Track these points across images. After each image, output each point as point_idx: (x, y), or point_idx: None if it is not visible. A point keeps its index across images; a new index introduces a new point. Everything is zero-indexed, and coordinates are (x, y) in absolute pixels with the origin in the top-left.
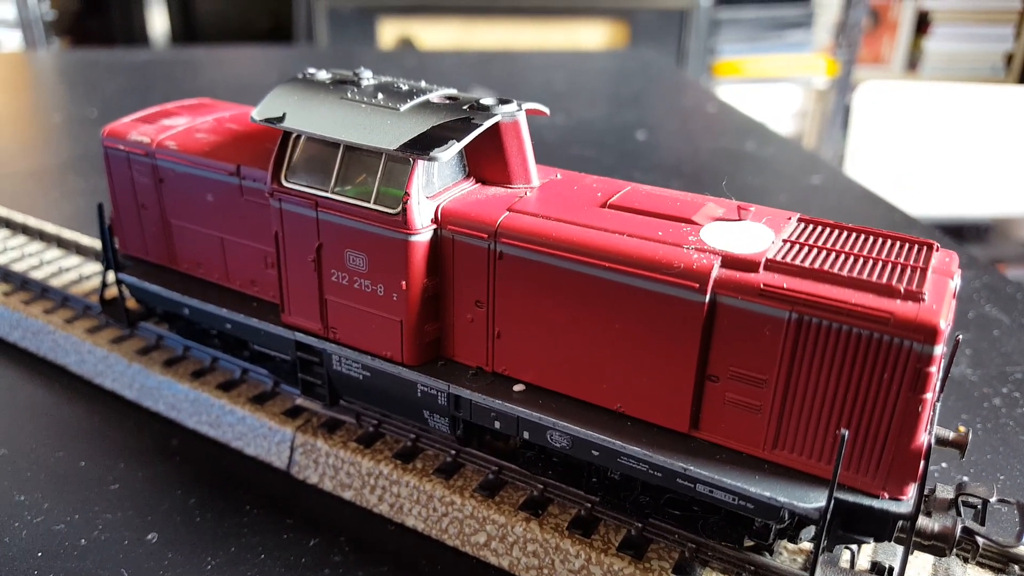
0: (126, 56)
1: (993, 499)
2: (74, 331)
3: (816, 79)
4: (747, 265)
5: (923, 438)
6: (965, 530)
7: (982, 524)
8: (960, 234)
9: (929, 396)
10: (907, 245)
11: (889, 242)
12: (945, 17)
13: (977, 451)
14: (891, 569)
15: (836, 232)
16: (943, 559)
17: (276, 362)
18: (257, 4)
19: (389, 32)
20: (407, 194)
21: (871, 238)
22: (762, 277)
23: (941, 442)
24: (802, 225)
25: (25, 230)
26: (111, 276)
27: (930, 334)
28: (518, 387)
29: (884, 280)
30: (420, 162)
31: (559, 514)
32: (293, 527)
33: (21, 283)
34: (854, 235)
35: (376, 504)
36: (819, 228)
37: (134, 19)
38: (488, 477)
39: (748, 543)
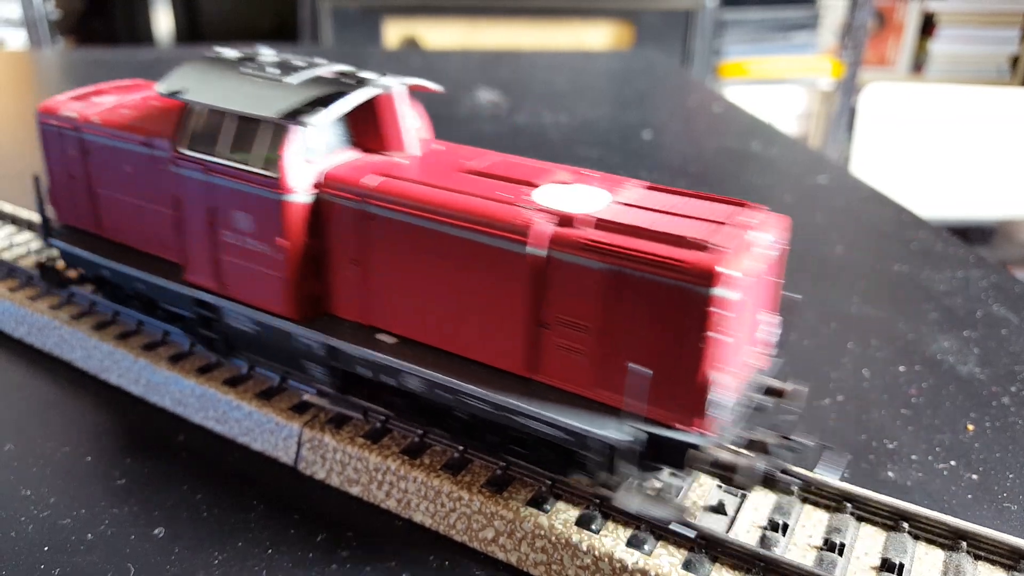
0: (131, 55)
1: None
2: (80, 327)
3: (821, 81)
4: (570, 221)
5: (713, 375)
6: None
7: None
8: (965, 236)
9: (716, 336)
10: (724, 206)
11: (711, 204)
12: (951, 19)
13: (986, 450)
14: (901, 566)
15: (669, 196)
16: (953, 556)
17: (187, 321)
18: (261, 4)
19: (394, 32)
20: (280, 157)
21: (699, 201)
22: (582, 232)
23: (771, 392)
24: (640, 190)
25: (31, 226)
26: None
27: (709, 278)
28: (387, 338)
29: (684, 234)
30: (296, 128)
31: (567, 510)
32: (300, 522)
33: (27, 279)
34: (685, 199)
35: (384, 500)
36: (656, 193)
37: (138, 19)
38: (496, 473)
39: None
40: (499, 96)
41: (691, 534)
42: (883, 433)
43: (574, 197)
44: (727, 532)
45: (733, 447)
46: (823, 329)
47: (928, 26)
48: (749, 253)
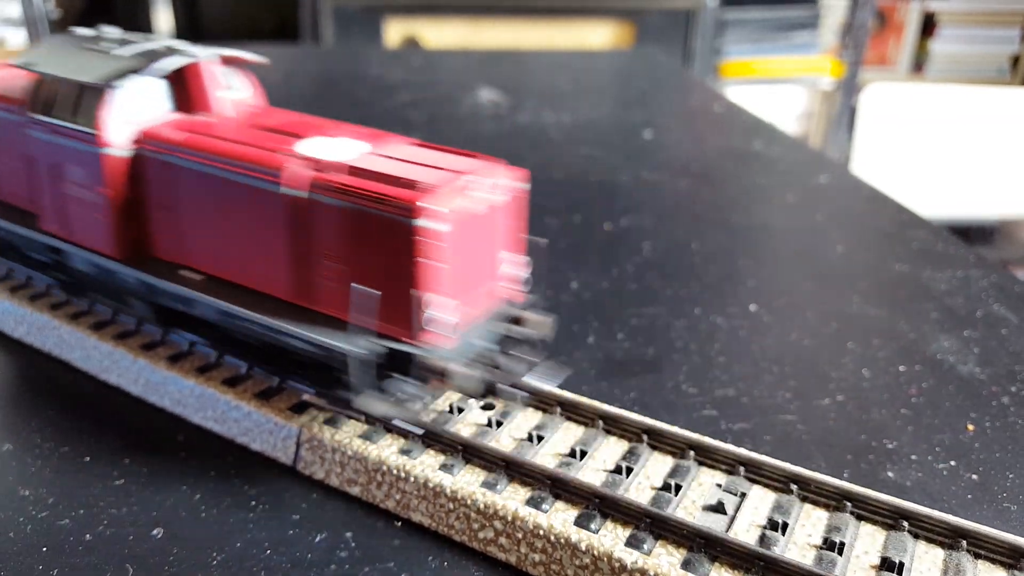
0: None
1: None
2: (79, 327)
3: (822, 80)
4: (325, 167)
5: (431, 296)
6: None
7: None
8: (966, 235)
9: (429, 261)
10: (465, 159)
11: (455, 157)
12: (951, 19)
13: (986, 450)
14: (901, 565)
15: (422, 150)
16: (953, 554)
17: (45, 266)
18: (262, 3)
19: (395, 31)
20: (98, 116)
21: (446, 155)
22: (330, 176)
23: (518, 321)
24: (400, 146)
25: None
26: None
27: (413, 211)
28: (193, 275)
29: (403, 176)
30: (110, 91)
31: (565, 510)
32: (299, 523)
33: (27, 278)
34: (436, 153)
35: (383, 500)
36: (412, 148)
37: (139, 17)
38: (494, 473)
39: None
40: (500, 95)
41: (419, 432)
42: (883, 433)
43: (336, 148)
44: (726, 531)
45: (459, 360)
46: (823, 329)
47: (929, 26)
48: (461, 194)
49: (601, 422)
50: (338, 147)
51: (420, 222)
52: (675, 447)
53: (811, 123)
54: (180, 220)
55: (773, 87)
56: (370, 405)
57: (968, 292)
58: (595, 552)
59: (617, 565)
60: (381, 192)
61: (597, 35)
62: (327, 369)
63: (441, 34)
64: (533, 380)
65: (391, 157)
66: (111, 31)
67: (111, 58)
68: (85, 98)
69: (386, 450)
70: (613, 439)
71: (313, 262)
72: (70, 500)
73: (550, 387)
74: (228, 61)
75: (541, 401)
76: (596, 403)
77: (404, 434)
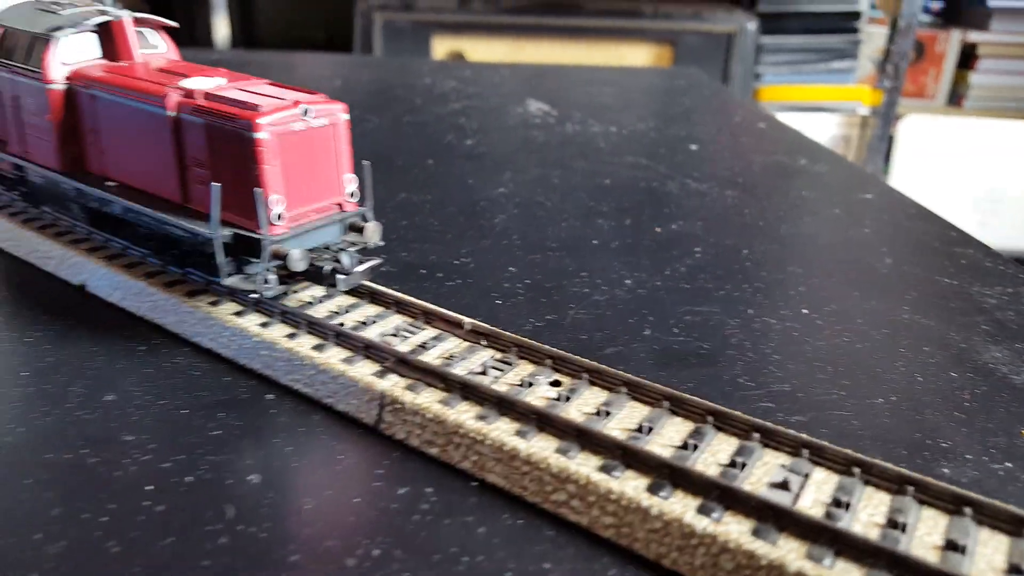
0: (194, 55)
1: (351, 249)
2: (174, 294)
3: (859, 108)
4: (192, 95)
5: (268, 194)
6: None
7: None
8: None
9: (265, 167)
10: (302, 93)
11: (294, 92)
12: (992, 51)
13: None
14: (964, 547)
15: (272, 87)
16: (1019, 542)
17: (9, 180)
18: (313, 16)
19: (441, 47)
20: (44, 59)
21: (287, 91)
22: (194, 101)
23: (353, 228)
24: (258, 83)
25: None
26: None
27: (252, 127)
28: (110, 183)
29: (250, 102)
30: (51, 39)
31: (636, 478)
32: (383, 476)
33: (123, 248)
34: (280, 88)
35: (460, 461)
36: (266, 85)
37: (197, 24)
38: (566, 441)
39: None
40: (548, 107)
41: (260, 297)
42: (937, 433)
43: (206, 84)
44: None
45: (295, 247)
46: (874, 334)
47: (968, 58)
48: (287, 116)
49: (667, 403)
50: (210, 83)
51: (256, 134)
52: (740, 429)
53: (847, 151)
54: (101, 140)
55: (809, 114)
56: (230, 281)
57: (1019, 308)
58: (666, 517)
59: (688, 530)
60: (228, 111)
61: (636, 57)
62: (206, 256)
63: (485, 51)
64: (359, 271)
65: (244, 90)
66: (63, 1)
67: (56, 17)
68: (35, 45)
69: (463, 415)
70: (679, 419)
71: (187, 169)
72: (170, 446)
73: (365, 279)
74: (144, 23)
75: (606, 380)
76: (660, 386)
77: (480, 401)
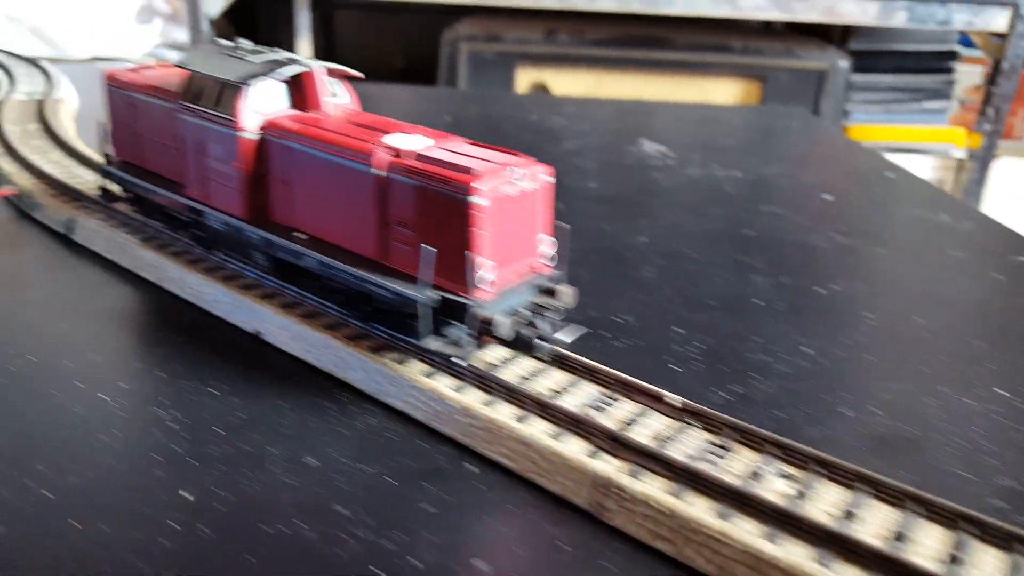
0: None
1: (555, 317)
2: (359, 349)
3: (954, 151)
4: (400, 155)
5: (479, 259)
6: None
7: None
8: None
9: (478, 231)
10: (507, 155)
11: (499, 153)
12: None
13: None
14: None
15: (475, 147)
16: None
17: (186, 225)
18: (394, 44)
19: (524, 78)
20: (237, 107)
21: (491, 151)
22: (403, 161)
23: (545, 291)
24: (460, 142)
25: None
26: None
27: (467, 190)
28: (300, 235)
29: (460, 164)
30: (245, 88)
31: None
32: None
33: (299, 297)
34: (485, 149)
35: (700, 562)
36: (468, 145)
37: (282, 44)
38: (818, 544)
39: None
40: (663, 148)
41: (464, 364)
42: None
43: (411, 142)
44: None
45: (499, 312)
46: None
47: None
48: (501, 180)
49: (912, 504)
50: (413, 141)
51: (472, 198)
52: (999, 539)
53: None
54: (292, 191)
55: (902, 154)
56: (431, 344)
57: None
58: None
59: None
60: (440, 174)
61: (722, 92)
62: (400, 315)
63: (568, 84)
64: (561, 336)
65: (452, 150)
66: (245, 43)
67: (247, 63)
68: (227, 92)
69: (698, 509)
70: (933, 526)
71: (389, 227)
72: (386, 522)
73: (568, 339)
74: (332, 73)
75: (839, 474)
76: (901, 484)
77: (712, 494)
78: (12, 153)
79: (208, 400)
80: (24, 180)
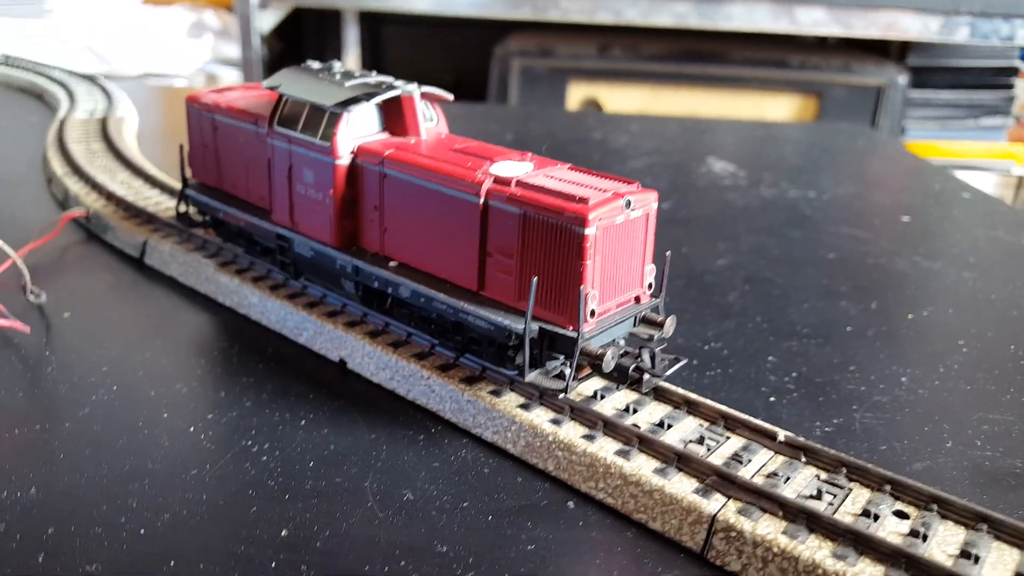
0: None
1: (658, 349)
2: (449, 380)
3: (1015, 168)
4: (505, 182)
5: (588, 291)
6: (630, 367)
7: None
8: None
9: (588, 262)
10: (612, 181)
11: (603, 179)
12: None
13: None
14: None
15: (577, 173)
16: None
17: (271, 252)
18: (443, 58)
19: (577, 94)
20: (334, 133)
21: (595, 177)
22: (509, 189)
23: (646, 321)
24: (562, 167)
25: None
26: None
27: (581, 221)
28: (393, 263)
29: (569, 192)
30: (343, 114)
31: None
32: None
33: (384, 324)
34: (591, 176)
35: None
36: (571, 171)
37: (329, 60)
38: None
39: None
40: (733, 167)
41: (555, 402)
42: None
43: (514, 168)
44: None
45: (603, 346)
46: None
47: None
48: (613, 209)
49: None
50: (517, 168)
51: (583, 229)
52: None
53: None
54: (385, 219)
55: (962, 171)
56: (532, 378)
57: None
58: None
59: None
60: (547, 203)
61: (778, 108)
62: (496, 345)
63: (621, 99)
64: (663, 371)
65: (558, 178)
66: (338, 65)
67: (342, 88)
68: (322, 118)
69: (818, 552)
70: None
71: (490, 256)
72: (490, 562)
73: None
74: (425, 96)
75: (956, 513)
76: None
77: (830, 535)
78: (79, 173)
79: (297, 431)
80: (93, 201)
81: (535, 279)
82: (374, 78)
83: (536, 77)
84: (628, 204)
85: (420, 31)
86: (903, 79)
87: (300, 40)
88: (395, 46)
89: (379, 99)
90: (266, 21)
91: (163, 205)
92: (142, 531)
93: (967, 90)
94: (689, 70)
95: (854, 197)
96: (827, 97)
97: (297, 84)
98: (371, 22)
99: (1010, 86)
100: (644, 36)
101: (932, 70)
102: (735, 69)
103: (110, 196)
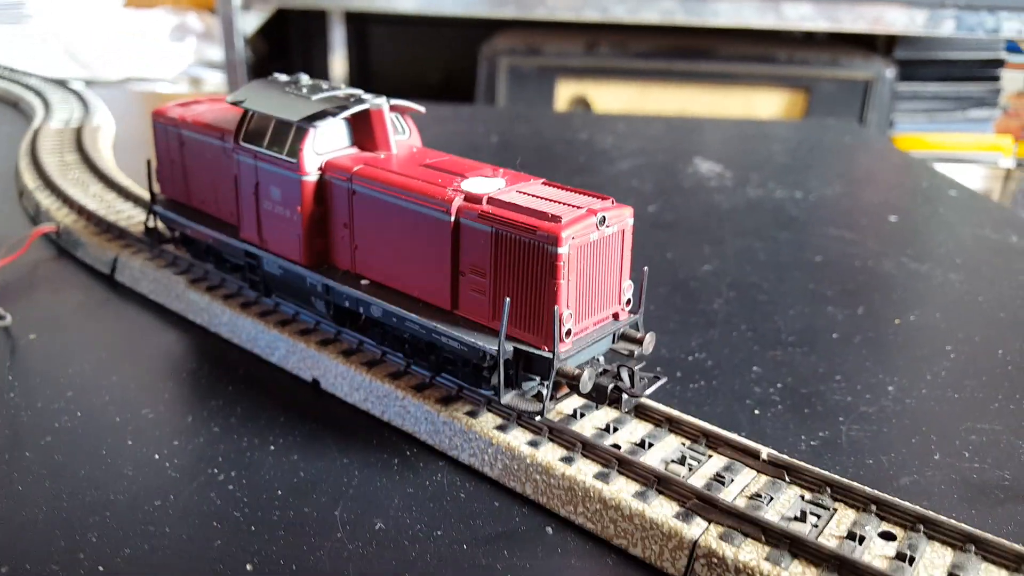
0: None
1: (636, 367)
2: (425, 401)
3: (1002, 160)
4: (476, 199)
5: (562, 310)
6: (609, 387)
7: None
8: None
9: (562, 281)
10: (586, 197)
11: (578, 195)
12: None
13: None
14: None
15: (552, 189)
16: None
17: (240, 268)
18: (431, 58)
19: (565, 92)
20: (301, 149)
21: (569, 193)
22: (480, 207)
23: (625, 337)
24: (535, 183)
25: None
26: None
27: (553, 240)
28: (364, 281)
29: (541, 209)
30: (310, 129)
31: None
32: None
33: (358, 343)
34: (564, 192)
35: None
36: (545, 187)
37: (315, 63)
38: None
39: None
40: (720, 167)
41: (533, 423)
42: None
43: (485, 185)
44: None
45: (581, 366)
46: None
47: None
48: (586, 227)
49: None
50: (488, 184)
51: (555, 248)
52: None
53: None
54: (355, 237)
55: (950, 164)
56: (508, 399)
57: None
58: None
59: None
60: (519, 221)
61: (767, 103)
62: (471, 366)
63: (611, 97)
64: (643, 390)
65: (530, 194)
66: (305, 78)
67: (309, 102)
68: (288, 133)
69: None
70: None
71: (462, 275)
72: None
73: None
74: (395, 108)
75: (944, 534)
76: (1012, 543)
77: (814, 560)
78: (51, 187)
79: (267, 457)
80: (64, 216)
81: (508, 299)
82: (343, 91)
83: (524, 76)
84: (603, 221)
85: (407, 31)
86: (891, 72)
87: (285, 41)
88: (382, 46)
89: (347, 113)
90: (249, 23)
91: (135, 219)
92: (100, 568)
93: (954, 82)
94: (677, 67)
95: (842, 196)
96: (816, 92)
97: (263, 99)
98: (357, 22)
99: (996, 78)
100: (631, 33)
101: (919, 63)
102: (723, 65)
103: (81, 210)
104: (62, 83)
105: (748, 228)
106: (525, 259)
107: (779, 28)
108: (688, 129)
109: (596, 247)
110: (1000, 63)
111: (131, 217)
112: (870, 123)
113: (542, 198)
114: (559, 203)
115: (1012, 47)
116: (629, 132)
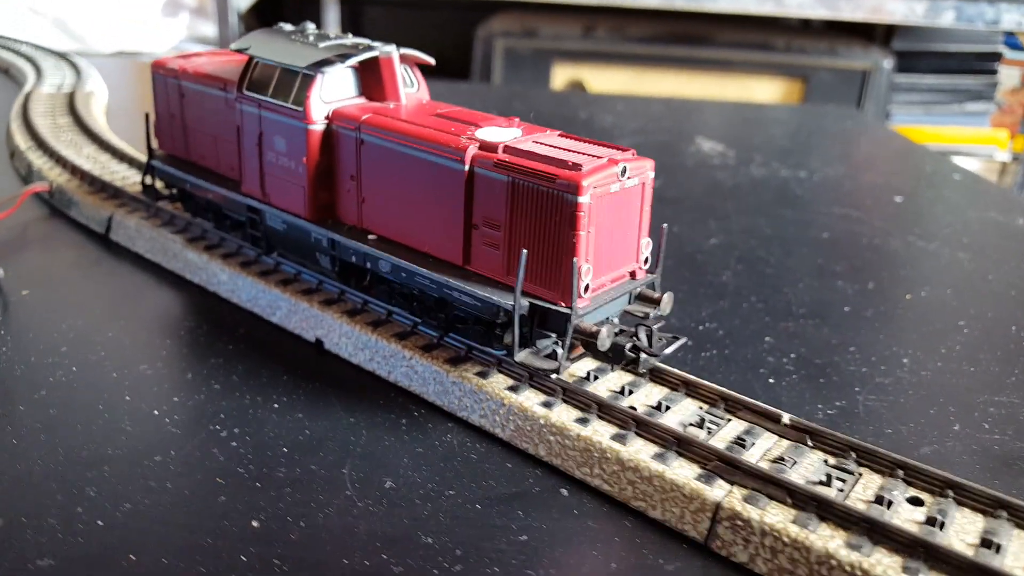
0: None
1: (655, 327)
2: (434, 361)
3: (998, 153)
4: (491, 148)
5: (581, 264)
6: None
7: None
8: None
9: (582, 233)
10: (606, 148)
11: (596, 146)
12: None
13: None
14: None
15: (569, 140)
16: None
17: (244, 229)
18: (425, 37)
19: (561, 75)
20: (307, 97)
21: (588, 144)
22: (496, 155)
23: (642, 298)
24: (552, 134)
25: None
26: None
27: (574, 188)
28: (372, 236)
29: (560, 158)
30: (317, 76)
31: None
32: None
33: (363, 302)
34: (582, 143)
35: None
36: (562, 138)
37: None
38: None
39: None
40: (722, 147)
41: (547, 383)
42: None
43: (500, 134)
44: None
45: (598, 324)
46: None
47: None
48: (608, 176)
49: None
50: (506, 134)
51: (576, 197)
52: None
53: None
54: (361, 189)
55: (947, 156)
56: (522, 357)
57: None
58: None
59: None
60: (547, 171)
61: (764, 91)
62: (483, 323)
63: (606, 80)
64: (661, 350)
65: (548, 144)
66: (311, 27)
67: (316, 49)
68: (294, 81)
69: (831, 542)
70: None
71: (475, 228)
72: (479, 555)
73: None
74: (405, 59)
75: (973, 499)
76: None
77: (842, 524)
78: (43, 147)
79: (270, 415)
80: (57, 176)
81: (524, 251)
82: (350, 40)
83: (520, 58)
84: (624, 171)
85: (402, 12)
86: (888, 63)
87: (279, 20)
88: (376, 27)
89: (355, 60)
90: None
91: (130, 179)
92: (100, 522)
93: (951, 75)
94: (674, 52)
95: (845, 178)
96: (813, 81)
97: (268, 46)
98: (352, 3)
99: (994, 71)
100: (629, 17)
101: (917, 54)
102: (720, 52)
103: (75, 170)
104: (59, 54)
105: (752, 206)
106: (543, 210)
107: (777, 15)
108: (688, 110)
109: (617, 199)
110: (998, 56)
111: (126, 178)
112: (867, 113)
113: (561, 148)
114: (579, 152)
115: (1010, 41)
116: (629, 112)
